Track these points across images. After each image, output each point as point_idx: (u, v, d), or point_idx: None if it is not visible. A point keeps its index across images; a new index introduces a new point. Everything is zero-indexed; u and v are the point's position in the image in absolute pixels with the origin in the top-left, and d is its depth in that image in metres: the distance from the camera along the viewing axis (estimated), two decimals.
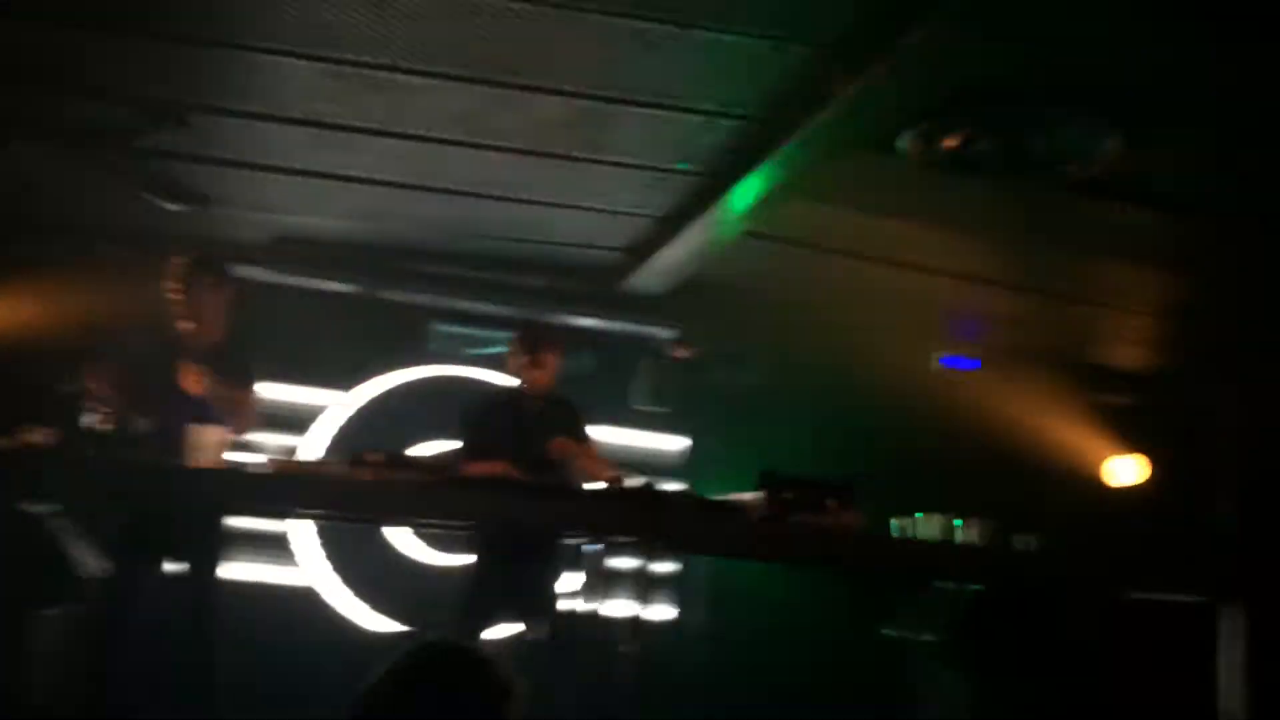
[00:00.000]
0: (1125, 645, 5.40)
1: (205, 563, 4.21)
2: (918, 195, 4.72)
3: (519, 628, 4.57)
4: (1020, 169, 4.31)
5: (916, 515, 4.37)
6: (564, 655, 4.21)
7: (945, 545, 4.31)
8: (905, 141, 4.17)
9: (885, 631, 5.24)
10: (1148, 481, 6.87)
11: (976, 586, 4.93)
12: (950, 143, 4.15)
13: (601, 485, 4.16)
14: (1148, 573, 4.67)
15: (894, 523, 4.33)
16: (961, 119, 4.04)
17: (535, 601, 4.39)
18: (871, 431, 6.41)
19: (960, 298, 5.95)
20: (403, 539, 6.05)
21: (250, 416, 4.38)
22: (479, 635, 4.34)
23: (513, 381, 4.70)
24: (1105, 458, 6.98)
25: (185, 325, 4.31)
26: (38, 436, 3.40)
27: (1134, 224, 4.79)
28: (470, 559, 4.59)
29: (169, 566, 4.17)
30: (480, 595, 4.38)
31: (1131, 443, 6.93)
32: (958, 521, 4.29)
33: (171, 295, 4.31)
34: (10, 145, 4.46)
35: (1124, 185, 4.45)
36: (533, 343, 4.57)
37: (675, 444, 6.71)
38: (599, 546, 3.74)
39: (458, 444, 4.59)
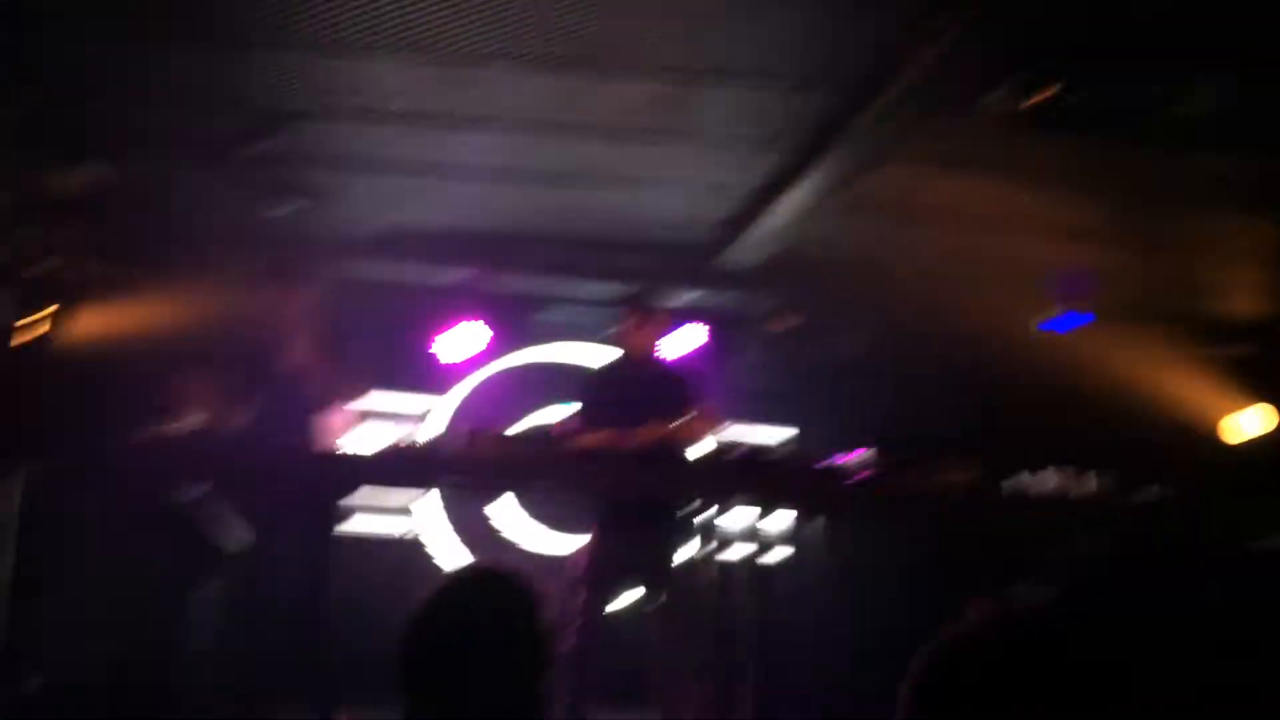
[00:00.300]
0: (1256, 595, 5.28)
1: (321, 537, 4.44)
2: (1012, 153, 4.67)
3: (639, 593, 4.66)
4: (1117, 120, 4.25)
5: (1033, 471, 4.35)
6: (684, 617, 4.31)
7: (1060, 501, 4.29)
8: (996, 99, 4.14)
9: (1011, 589, 5.21)
10: (1274, 431, 6.69)
11: (1102, 544, 4.87)
12: (1042, 98, 4.12)
13: (711, 451, 4.24)
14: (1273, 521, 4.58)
15: (1010, 479, 4.31)
16: (1053, 72, 4.00)
17: (655, 566, 4.49)
18: (983, 393, 6.37)
19: (1065, 255, 5.86)
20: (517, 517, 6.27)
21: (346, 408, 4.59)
22: (602, 604, 4.45)
23: (621, 351, 4.82)
24: (1227, 409, 6.82)
25: (277, 327, 4.56)
26: (184, 425, 3.63)
27: (1240, 171, 4.67)
28: (587, 533, 4.71)
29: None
30: (601, 564, 4.50)
31: (1254, 393, 6.75)
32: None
33: (261, 299, 4.56)
34: (126, 158, 4.69)
35: (1228, 131, 4.34)
36: (640, 311, 4.71)
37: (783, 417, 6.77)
38: (712, 510, 3.82)
39: (573, 413, 4.73)
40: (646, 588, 4.56)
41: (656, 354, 4.76)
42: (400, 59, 4.02)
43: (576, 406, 4.73)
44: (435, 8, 3.66)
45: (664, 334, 4.76)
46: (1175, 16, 3.61)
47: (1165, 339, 6.48)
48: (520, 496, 6.15)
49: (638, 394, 4.58)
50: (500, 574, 2.01)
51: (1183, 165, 4.70)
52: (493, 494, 5.52)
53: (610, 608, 4.57)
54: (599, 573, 4.48)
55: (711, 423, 4.60)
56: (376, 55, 4.00)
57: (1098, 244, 5.73)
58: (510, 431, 3.89)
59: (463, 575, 2.07)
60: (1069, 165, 4.80)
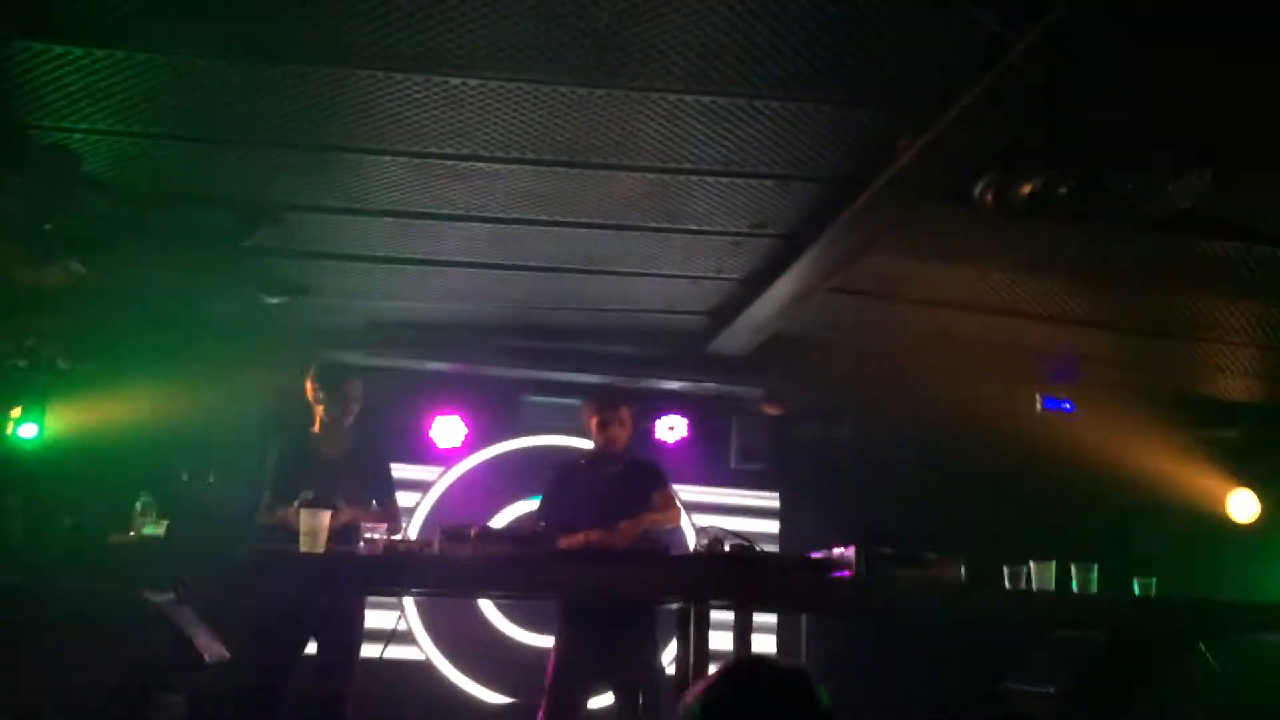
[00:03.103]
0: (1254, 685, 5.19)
1: (344, 644, 4.39)
2: (1000, 241, 4.69)
3: (610, 697, 4.55)
4: (1101, 210, 4.27)
5: (1028, 565, 4.29)
6: None
7: (1052, 594, 4.22)
8: (980, 191, 4.16)
9: (1005, 685, 5.12)
10: (1264, 515, 6.64)
11: (1099, 635, 4.80)
12: (1027, 189, 4.14)
13: (698, 549, 4.18)
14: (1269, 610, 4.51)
15: (1006, 571, 4.25)
16: (1037, 164, 4.02)
17: (624, 669, 4.40)
18: (971, 480, 6.33)
19: (1053, 340, 5.86)
20: (494, 616, 6.20)
21: (396, 520, 4.64)
22: (571, 707, 4.35)
23: (589, 444, 4.76)
24: (1220, 494, 6.78)
25: (321, 430, 4.57)
26: (153, 528, 3.58)
27: (1227, 257, 4.68)
28: (557, 631, 4.61)
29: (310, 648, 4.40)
30: (563, 667, 4.40)
31: (1245, 477, 6.71)
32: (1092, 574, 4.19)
33: (310, 399, 4.56)
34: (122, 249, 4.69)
35: (1215, 218, 4.36)
36: (606, 403, 4.63)
37: (771, 501, 6.73)
38: (695, 610, 3.74)
39: (536, 508, 4.67)
40: (616, 692, 4.45)
41: (626, 442, 4.68)
42: (388, 158, 4.05)
43: (544, 498, 4.66)
44: (424, 110, 3.69)
45: (631, 426, 4.68)
46: (1157, 107, 3.62)
47: (1160, 421, 6.45)
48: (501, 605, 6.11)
49: (608, 485, 4.53)
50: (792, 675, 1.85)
51: (1169, 250, 4.71)
52: (470, 596, 5.43)
53: (581, 710, 4.47)
54: (561, 676, 4.38)
55: (674, 513, 4.53)
56: (365, 154, 4.03)
57: (1089, 328, 5.73)
58: (491, 532, 3.80)
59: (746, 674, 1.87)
60: (1058, 252, 4.82)
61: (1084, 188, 4.16)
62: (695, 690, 1.84)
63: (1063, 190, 4.16)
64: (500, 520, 6.20)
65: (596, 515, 4.31)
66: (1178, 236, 4.56)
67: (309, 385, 4.61)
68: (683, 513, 4.63)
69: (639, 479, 4.61)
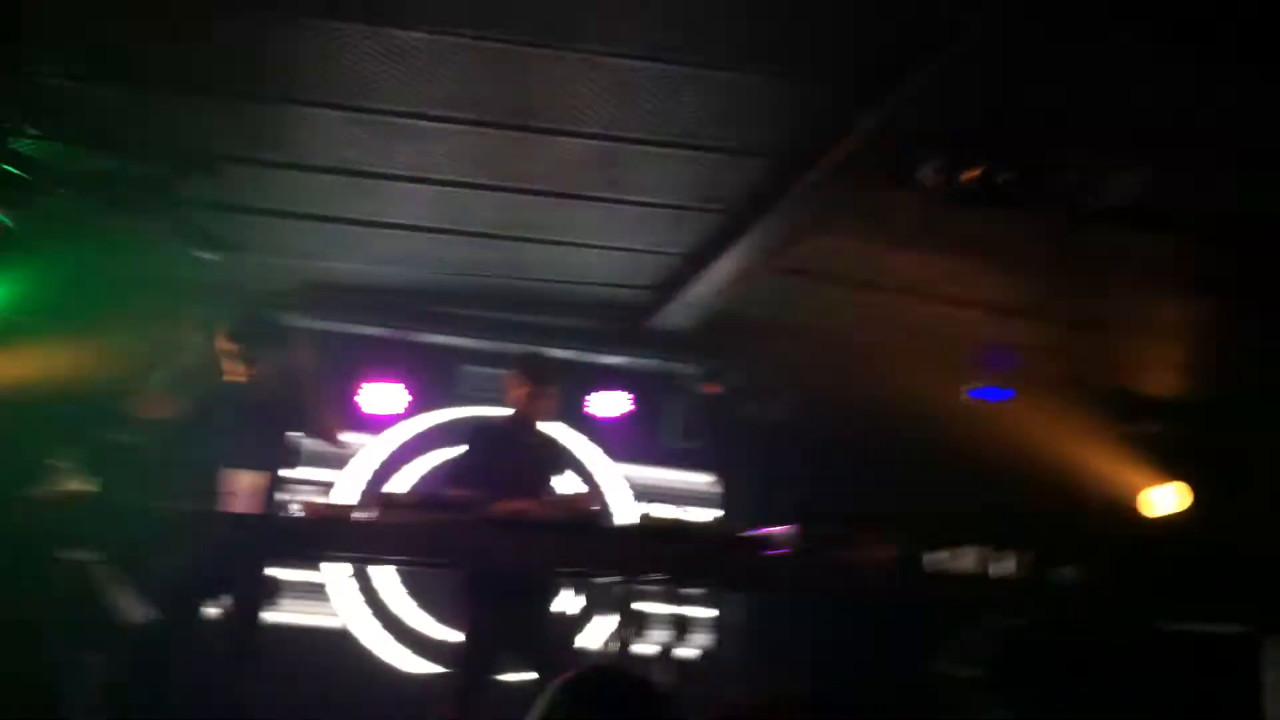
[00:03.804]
0: (1168, 677, 5.31)
1: (249, 607, 4.28)
2: (941, 227, 4.72)
3: (529, 673, 4.48)
4: (1042, 201, 4.32)
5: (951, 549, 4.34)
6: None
7: (980, 578, 4.28)
8: (925, 174, 4.19)
9: (929, 668, 5.18)
10: (1187, 510, 6.80)
11: (1019, 621, 4.87)
12: (970, 175, 4.17)
13: (632, 521, 4.15)
14: (1189, 603, 4.61)
15: (927, 557, 4.29)
16: (981, 151, 4.05)
17: (539, 646, 4.32)
18: (904, 464, 6.39)
19: (989, 329, 5.93)
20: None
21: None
22: (476, 684, 4.27)
23: (510, 411, 4.65)
24: (1143, 487, 6.92)
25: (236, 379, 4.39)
26: (76, 484, 3.47)
27: (1159, 251, 4.76)
28: (467, 606, 4.46)
29: (213, 610, 4.25)
30: (473, 642, 4.30)
31: (1169, 471, 6.86)
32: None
33: (224, 352, 4.37)
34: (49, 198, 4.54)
35: (1148, 213, 4.43)
36: (537, 374, 4.56)
37: (706, 481, 6.74)
38: (628, 585, 3.73)
39: (455, 469, 4.58)
40: (537, 670, 4.32)
41: (552, 414, 4.63)
42: (331, 112, 3.96)
43: (466, 460, 4.55)
44: (369, 64, 3.61)
45: (551, 398, 4.62)
46: (1098, 102, 3.67)
47: (1087, 413, 6.57)
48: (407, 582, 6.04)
49: (530, 455, 4.47)
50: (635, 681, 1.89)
51: (1104, 243, 4.78)
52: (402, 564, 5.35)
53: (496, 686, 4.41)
54: (473, 651, 4.28)
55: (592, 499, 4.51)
56: (307, 107, 3.94)
57: (1023, 318, 5.81)
58: (425, 498, 3.73)
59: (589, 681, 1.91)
60: (997, 241, 4.87)
61: (1025, 177, 4.22)
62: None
63: (1005, 178, 4.21)
64: (405, 480, 6.14)
65: (514, 485, 4.17)
66: (1113, 229, 4.63)
67: (221, 342, 4.35)
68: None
69: (555, 454, 4.62)
